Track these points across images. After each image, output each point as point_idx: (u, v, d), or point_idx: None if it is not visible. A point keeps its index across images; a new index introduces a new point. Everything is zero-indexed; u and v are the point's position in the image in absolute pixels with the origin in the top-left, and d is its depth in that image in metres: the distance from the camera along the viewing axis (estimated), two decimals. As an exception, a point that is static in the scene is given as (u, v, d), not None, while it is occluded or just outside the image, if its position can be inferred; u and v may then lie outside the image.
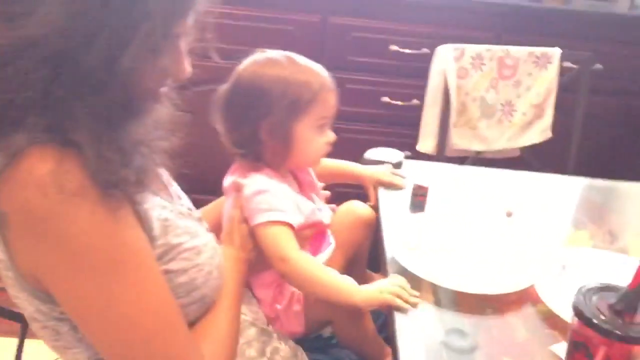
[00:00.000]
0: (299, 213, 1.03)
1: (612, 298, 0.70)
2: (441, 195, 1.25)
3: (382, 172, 1.28)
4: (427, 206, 1.19)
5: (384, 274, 0.99)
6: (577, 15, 2.12)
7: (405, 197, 1.22)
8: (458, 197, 1.30)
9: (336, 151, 1.14)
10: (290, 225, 1.00)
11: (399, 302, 0.90)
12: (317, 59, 1.10)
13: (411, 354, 0.82)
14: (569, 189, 1.42)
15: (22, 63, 0.64)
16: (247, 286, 1.05)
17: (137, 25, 0.66)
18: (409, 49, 2.08)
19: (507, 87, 1.85)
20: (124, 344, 0.72)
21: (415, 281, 0.95)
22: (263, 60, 1.05)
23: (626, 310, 0.68)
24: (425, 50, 2.04)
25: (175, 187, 0.91)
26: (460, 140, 1.86)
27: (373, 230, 1.20)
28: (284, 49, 1.09)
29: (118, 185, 0.68)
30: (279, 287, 1.06)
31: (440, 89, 1.81)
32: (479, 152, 1.92)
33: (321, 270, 0.96)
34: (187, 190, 0.94)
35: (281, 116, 1.02)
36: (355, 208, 1.20)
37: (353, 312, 1.02)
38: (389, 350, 1.08)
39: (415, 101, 2.11)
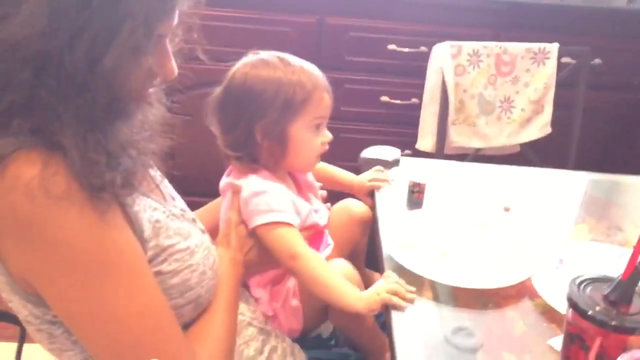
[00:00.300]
0: (295, 214, 1.03)
1: (606, 289, 0.69)
2: (439, 192, 1.25)
3: (368, 178, 1.27)
4: (425, 203, 1.19)
5: (381, 271, 0.99)
6: (575, 11, 2.11)
7: (402, 194, 1.22)
8: (455, 193, 1.29)
9: (336, 151, 1.14)
10: (292, 225, 1.00)
11: (395, 299, 0.89)
12: (314, 60, 1.09)
13: (409, 351, 0.82)
14: (567, 184, 1.42)
15: (4, 66, 0.64)
16: (244, 286, 1.05)
17: (119, 26, 0.66)
18: (407, 47, 2.07)
19: (505, 83, 1.85)
20: (116, 346, 0.72)
21: (412, 278, 0.95)
22: (255, 62, 1.04)
23: (620, 301, 0.68)
24: (423, 48, 2.04)
25: (168, 188, 0.91)
26: (459, 138, 1.86)
27: (369, 228, 1.20)
28: (281, 51, 1.09)
29: (105, 187, 0.68)
30: (276, 285, 1.06)
31: (438, 86, 1.81)
32: (478, 150, 1.91)
33: (328, 272, 0.96)
34: (181, 193, 0.94)
35: (275, 117, 1.01)
36: (351, 206, 1.20)
37: None
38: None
39: (414, 100, 2.10)
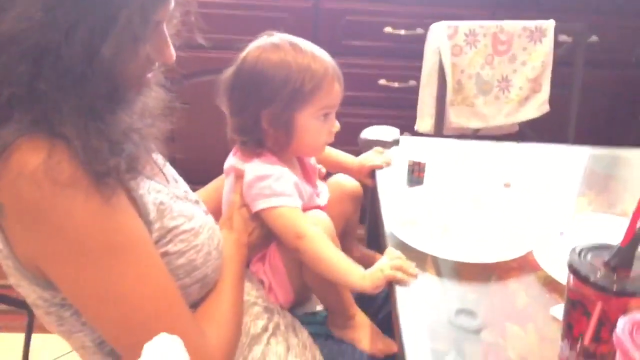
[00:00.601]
0: (298, 197, 1.03)
1: (606, 255, 0.70)
2: (439, 170, 1.25)
3: (367, 160, 1.26)
4: (425, 181, 1.20)
5: (383, 249, 1.00)
6: (571, -12, 2.11)
7: (402, 174, 1.23)
8: (456, 171, 1.30)
9: (335, 135, 1.14)
10: (296, 207, 1.00)
11: (399, 275, 0.90)
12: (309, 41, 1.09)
13: (414, 327, 0.82)
14: (566, 158, 1.42)
15: (2, 59, 0.64)
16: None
17: (115, 15, 0.66)
18: (403, 30, 2.08)
19: (502, 62, 1.85)
20: (125, 327, 0.74)
21: (414, 255, 0.96)
22: (267, 46, 1.03)
23: (620, 266, 0.68)
24: (419, 30, 2.04)
25: (171, 171, 0.91)
26: (457, 119, 1.86)
27: (360, 204, 1.20)
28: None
29: (110, 173, 0.69)
30: (263, 258, 1.07)
31: (436, 67, 1.81)
32: (477, 130, 1.92)
33: (333, 252, 0.96)
34: (183, 178, 0.94)
35: (282, 106, 1.00)
36: (342, 182, 1.20)
37: None
38: (355, 310, 1.09)
39: (412, 82, 2.11)
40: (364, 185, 1.24)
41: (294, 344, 0.97)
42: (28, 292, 0.76)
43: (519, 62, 1.86)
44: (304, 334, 1.01)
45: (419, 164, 1.19)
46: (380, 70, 2.16)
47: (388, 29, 2.08)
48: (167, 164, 0.92)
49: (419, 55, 1.89)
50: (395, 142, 1.35)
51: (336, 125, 1.08)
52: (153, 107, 0.82)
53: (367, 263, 0.96)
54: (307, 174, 1.13)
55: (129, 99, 0.75)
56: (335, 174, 1.24)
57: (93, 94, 0.67)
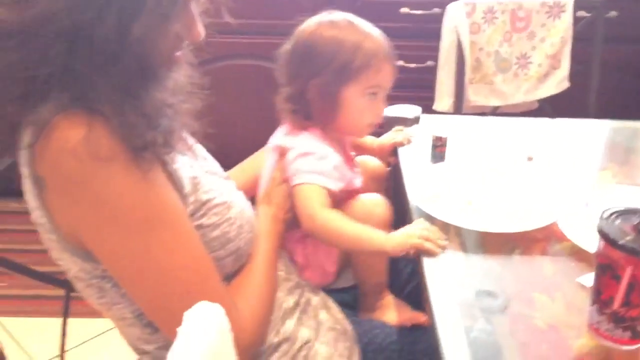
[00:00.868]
0: (339, 179, 1.04)
1: (635, 219, 0.71)
2: (461, 145, 1.26)
3: (387, 139, 1.27)
4: (447, 156, 1.21)
5: (408, 223, 1.01)
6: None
7: (424, 150, 1.23)
8: (478, 146, 1.31)
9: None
10: (327, 189, 1.01)
11: (427, 245, 0.91)
12: None
13: (443, 299, 0.83)
14: (588, 132, 1.42)
15: (38, 40, 0.66)
16: None
17: None
18: (420, 10, 2.07)
19: (521, 39, 1.84)
20: (161, 298, 0.76)
21: (439, 228, 0.96)
22: (324, 21, 1.06)
23: (650, 229, 0.69)
24: (436, 10, 2.03)
25: (201, 149, 0.93)
26: (476, 97, 1.86)
27: (384, 184, 1.22)
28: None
29: (147, 147, 0.71)
30: (303, 239, 1.09)
31: (454, 46, 1.81)
32: (496, 108, 1.91)
33: (349, 224, 0.97)
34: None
35: (329, 78, 1.03)
36: (367, 162, 1.22)
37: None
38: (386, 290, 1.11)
39: (429, 62, 2.10)
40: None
41: (325, 318, 0.99)
42: (69, 264, 0.78)
43: (537, 39, 1.85)
44: (335, 308, 1.03)
45: (440, 138, 1.20)
46: (397, 51, 2.13)
47: (404, 9, 2.07)
48: (197, 143, 0.93)
49: (435, 35, 1.89)
50: (416, 120, 1.35)
51: (382, 108, 1.10)
52: (184, 84, 0.83)
53: None
54: (347, 157, 1.14)
55: (161, 76, 0.77)
56: (357, 156, 1.26)
57: (126, 71, 0.69)
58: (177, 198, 0.77)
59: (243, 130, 2.19)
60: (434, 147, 1.21)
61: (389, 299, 1.11)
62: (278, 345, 0.90)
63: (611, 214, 0.73)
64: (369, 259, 1.08)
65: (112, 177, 0.70)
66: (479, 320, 0.80)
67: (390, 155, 1.27)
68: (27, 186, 0.74)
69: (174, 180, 0.78)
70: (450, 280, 0.87)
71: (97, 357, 1.80)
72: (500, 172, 1.12)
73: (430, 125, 1.33)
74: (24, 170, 0.74)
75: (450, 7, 1.81)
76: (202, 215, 0.81)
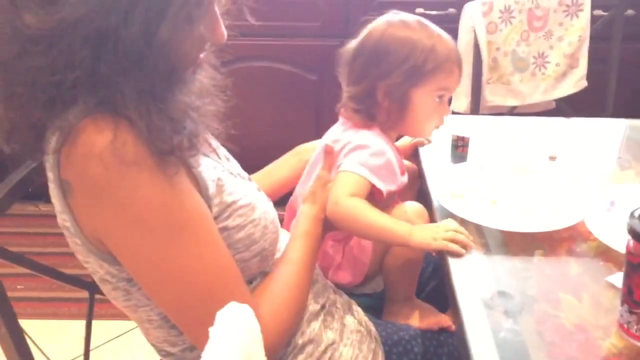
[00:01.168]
0: (389, 180, 1.03)
1: (666, 217, 0.70)
2: (482, 145, 1.25)
3: (408, 140, 1.26)
4: (469, 157, 1.20)
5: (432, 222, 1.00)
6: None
7: (446, 150, 1.23)
8: (499, 145, 1.30)
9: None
10: (370, 185, 1.00)
11: (452, 247, 0.90)
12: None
13: (469, 299, 0.83)
14: (610, 131, 1.41)
15: (65, 45, 0.66)
16: None
17: None
18: (435, 10, 2.06)
19: (538, 39, 1.83)
20: (183, 302, 0.76)
21: (463, 226, 0.95)
22: (394, 21, 1.06)
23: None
24: (451, 10, 2.03)
25: (223, 151, 0.93)
26: (494, 97, 1.86)
27: (417, 184, 1.21)
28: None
29: (173, 151, 0.71)
30: (344, 240, 1.09)
31: (470, 46, 1.81)
32: (513, 108, 1.90)
33: (373, 212, 0.96)
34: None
35: (400, 80, 1.03)
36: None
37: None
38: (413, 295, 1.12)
39: (445, 63, 2.09)
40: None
41: (349, 320, 0.98)
42: (96, 267, 0.78)
43: (555, 38, 1.84)
44: (359, 311, 1.02)
45: (462, 138, 1.19)
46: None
47: (419, 10, 2.06)
48: (220, 146, 0.93)
49: (452, 36, 1.87)
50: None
51: (448, 110, 1.10)
52: (207, 86, 0.83)
53: None
54: (399, 160, 1.12)
55: (186, 79, 0.77)
56: None
57: (152, 75, 0.69)
58: (202, 202, 0.77)
59: (262, 132, 2.20)
60: (455, 147, 1.20)
61: (416, 303, 1.10)
62: (303, 347, 0.90)
63: (642, 212, 0.72)
64: (405, 266, 1.07)
65: (138, 182, 0.70)
66: (507, 322, 0.79)
67: (412, 155, 1.26)
68: (53, 190, 0.75)
69: (199, 183, 0.78)
70: (475, 281, 0.87)
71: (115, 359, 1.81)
72: (524, 171, 1.11)
73: (449, 125, 1.32)
74: (50, 175, 0.74)
75: (467, 7, 1.80)
76: (227, 217, 0.80)
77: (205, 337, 0.58)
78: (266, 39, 2.11)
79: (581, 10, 1.81)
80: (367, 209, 0.96)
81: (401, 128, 1.10)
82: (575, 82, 1.89)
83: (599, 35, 1.87)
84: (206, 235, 0.76)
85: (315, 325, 0.92)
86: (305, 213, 0.98)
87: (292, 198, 1.15)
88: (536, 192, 1.06)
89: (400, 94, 1.04)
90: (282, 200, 1.17)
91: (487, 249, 0.94)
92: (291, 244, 0.93)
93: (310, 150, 1.17)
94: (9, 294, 0.88)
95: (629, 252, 0.72)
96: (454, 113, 1.85)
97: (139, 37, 0.67)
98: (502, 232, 0.96)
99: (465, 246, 0.90)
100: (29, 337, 0.90)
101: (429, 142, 1.25)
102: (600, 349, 0.75)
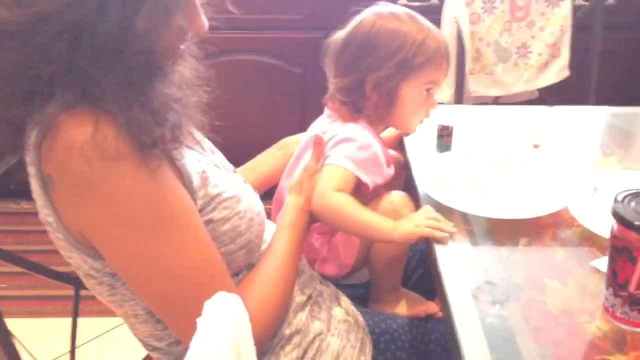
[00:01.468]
0: (375, 172, 1.03)
1: (650, 201, 0.71)
2: (466, 134, 1.26)
3: (393, 131, 1.26)
4: (454, 145, 1.20)
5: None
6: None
7: (430, 140, 1.23)
8: (483, 134, 1.30)
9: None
10: (356, 178, 1.00)
11: (437, 233, 0.90)
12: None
13: (456, 286, 0.83)
14: (592, 119, 1.42)
15: (39, 39, 0.65)
16: None
17: None
18: (418, 1, 2.06)
19: (520, 29, 1.84)
20: (168, 297, 0.75)
21: (449, 215, 0.96)
22: (385, 13, 1.05)
23: (665, 210, 0.69)
24: (434, 1, 2.03)
25: (208, 143, 0.92)
26: (477, 87, 1.86)
27: (404, 174, 1.21)
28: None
29: (155, 144, 0.70)
30: (329, 232, 1.09)
31: (453, 36, 1.81)
32: (497, 98, 1.91)
33: (358, 209, 0.96)
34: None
35: (390, 73, 1.02)
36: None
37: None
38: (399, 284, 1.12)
39: (428, 54, 2.09)
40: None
41: (337, 311, 0.98)
42: (79, 262, 0.77)
43: (537, 28, 1.85)
44: (346, 301, 1.02)
45: (447, 127, 1.19)
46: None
47: (402, 1, 2.06)
48: (205, 138, 0.92)
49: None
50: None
51: (435, 104, 1.09)
52: (189, 77, 0.82)
53: None
54: (385, 152, 1.12)
55: (166, 71, 0.76)
56: None
57: (130, 67, 0.68)
58: (186, 195, 0.76)
59: (247, 125, 2.19)
60: (440, 136, 1.20)
61: (402, 292, 1.11)
62: (290, 337, 0.90)
63: (625, 197, 0.72)
64: (390, 257, 1.08)
65: (120, 177, 0.69)
66: (494, 308, 0.79)
67: (397, 146, 1.26)
68: (34, 185, 0.74)
69: (183, 176, 0.77)
70: (462, 269, 0.87)
71: (101, 356, 1.79)
72: (509, 160, 1.12)
73: (434, 115, 1.32)
74: (31, 170, 0.73)
75: (449, -2, 1.81)
76: (212, 210, 0.80)
77: (190, 332, 0.57)
78: (250, 32, 2.10)
79: (562, 0, 1.82)
80: (352, 204, 0.96)
81: (388, 121, 1.09)
82: (558, 71, 1.91)
83: (581, 25, 1.88)
84: (191, 229, 0.75)
85: (302, 315, 0.92)
86: (291, 204, 0.98)
87: (276, 191, 1.15)
88: (520, 180, 1.06)
89: (389, 87, 1.03)
90: (268, 193, 1.17)
91: (472, 236, 0.94)
92: (277, 235, 0.93)
93: (294, 144, 1.17)
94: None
95: (613, 236, 0.73)
96: (438, 103, 1.87)
97: (115, 29, 0.66)
98: (488, 220, 0.97)
99: (447, 232, 0.91)
100: (14, 336, 0.89)
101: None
102: (585, 332, 0.76)
